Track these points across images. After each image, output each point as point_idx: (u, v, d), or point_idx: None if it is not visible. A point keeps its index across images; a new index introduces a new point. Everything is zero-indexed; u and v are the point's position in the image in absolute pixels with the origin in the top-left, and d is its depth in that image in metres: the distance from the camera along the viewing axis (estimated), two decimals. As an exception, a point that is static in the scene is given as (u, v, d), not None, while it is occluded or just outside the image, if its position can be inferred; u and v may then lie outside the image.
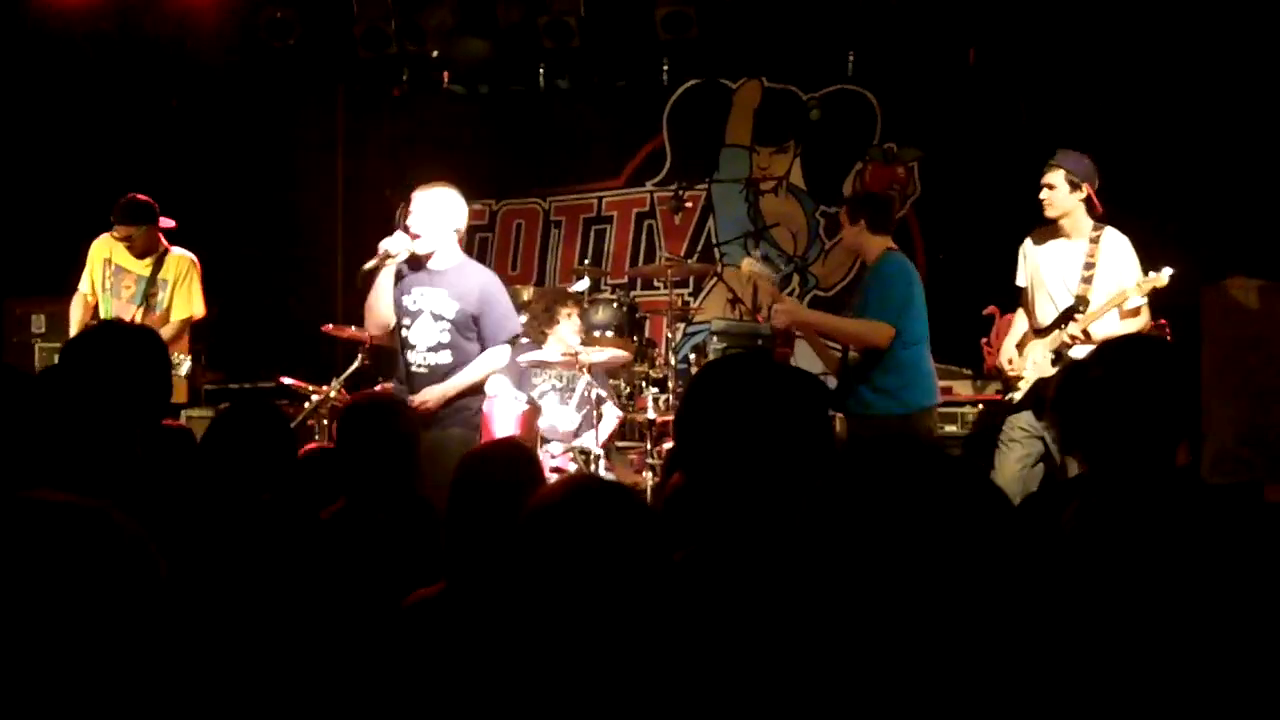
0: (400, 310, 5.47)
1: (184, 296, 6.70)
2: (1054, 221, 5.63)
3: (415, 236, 5.41)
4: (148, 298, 6.61)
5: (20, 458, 2.18)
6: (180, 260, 6.73)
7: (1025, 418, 5.66)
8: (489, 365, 5.50)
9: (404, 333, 5.48)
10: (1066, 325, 5.49)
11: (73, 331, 6.72)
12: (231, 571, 1.80)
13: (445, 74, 9.49)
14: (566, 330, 6.92)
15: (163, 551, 1.33)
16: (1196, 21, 7.45)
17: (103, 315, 6.70)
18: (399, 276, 5.48)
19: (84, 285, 6.77)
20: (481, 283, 5.51)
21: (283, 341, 8.77)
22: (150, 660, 1.27)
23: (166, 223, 6.79)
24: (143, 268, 6.68)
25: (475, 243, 9.81)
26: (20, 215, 8.51)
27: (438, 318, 5.41)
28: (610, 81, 9.48)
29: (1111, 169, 7.65)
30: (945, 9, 8.12)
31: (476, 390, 5.54)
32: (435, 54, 9.04)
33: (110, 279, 6.71)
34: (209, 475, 2.93)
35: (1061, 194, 5.51)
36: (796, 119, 9.19)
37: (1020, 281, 5.85)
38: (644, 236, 9.60)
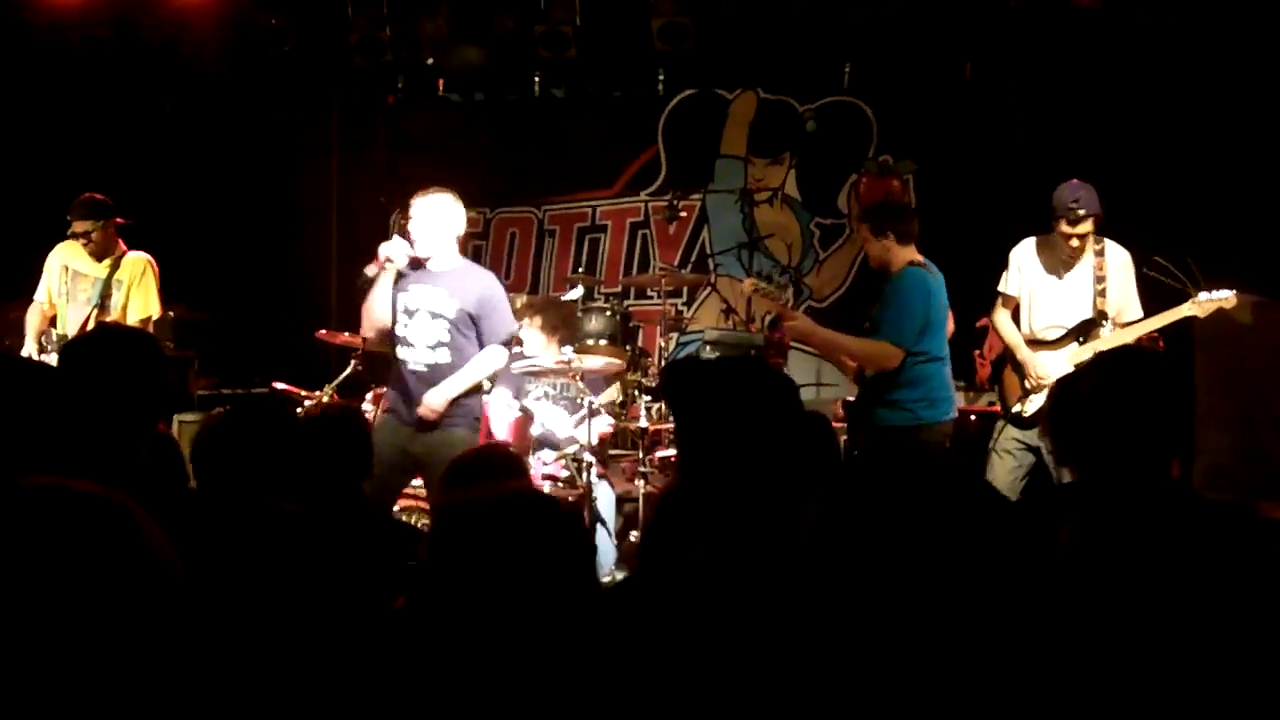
0: (398, 310, 5.49)
1: (140, 297, 6.63)
2: (1052, 233, 5.68)
3: (414, 243, 5.45)
4: (103, 299, 6.56)
5: (26, 455, 2.17)
6: (136, 262, 6.65)
7: (1018, 429, 5.67)
8: (488, 365, 5.51)
9: (401, 331, 5.48)
10: (1087, 339, 5.53)
11: (28, 341, 6.65)
12: (235, 574, 1.80)
13: (440, 82, 9.50)
14: (528, 337, 6.89)
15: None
16: (1193, 33, 7.47)
17: (59, 321, 6.65)
18: (398, 278, 5.51)
19: (40, 294, 6.70)
20: (482, 284, 5.55)
21: (276, 347, 8.76)
22: (159, 657, 1.27)
23: (122, 222, 6.74)
24: (100, 270, 6.61)
25: (470, 250, 9.77)
26: (13, 220, 8.49)
27: (436, 316, 5.43)
28: (606, 91, 9.49)
29: (1107, 183, 7.68)
30: (942, 23, 8.14)
31: (478, 390, 5.59)
32: (430, 62, 9.05)
33: (68, 284, 6.64)
34: (216, 476, 2.91)
35: (1090, 227, 5.54)
36: (792, 130, 9.21)
37: (1011, 290, 5.85)
38: (638, 246, 9.61)
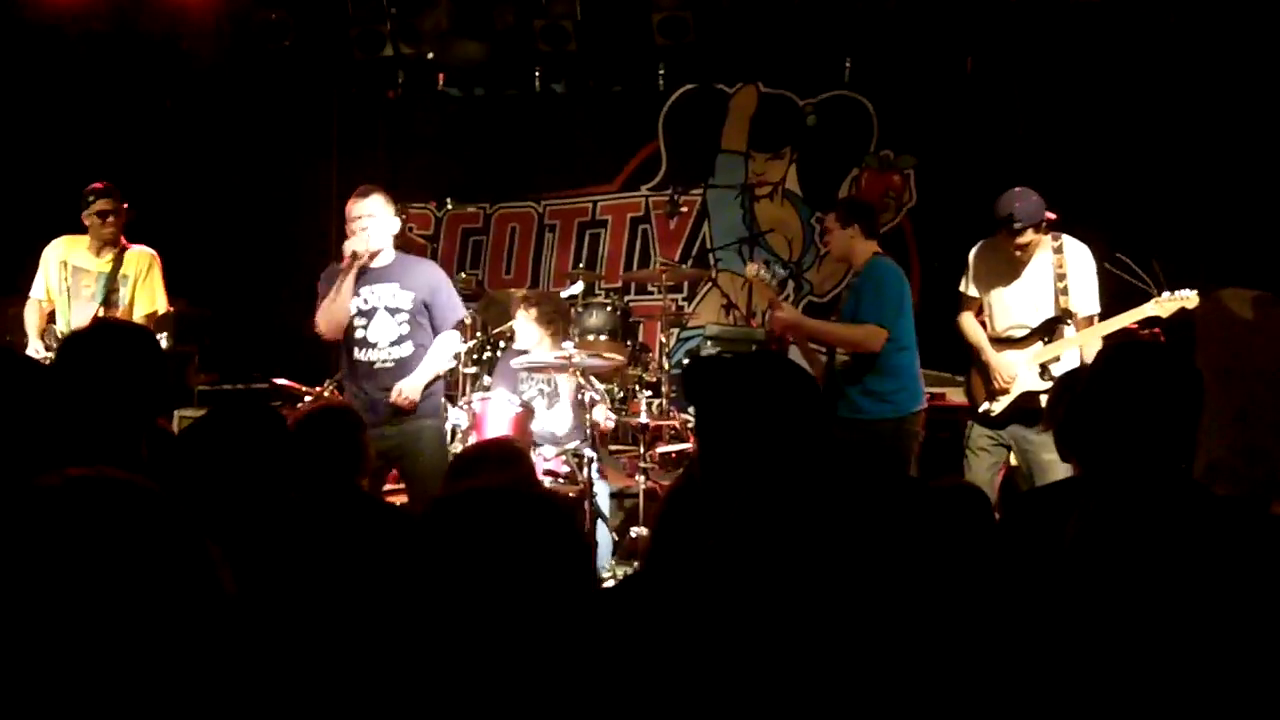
0: (353, 313, 5.55)
1: (146, 292, 6.62)
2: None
3: (367, 241, 5.55)
4: (109, 294, 6.54)
5: (26, 450, 2.17)
6: (140, 256, 6.64)
7: (988, 428, 5.66)
8: (448, 350, 5.72)
9: (360, 333, 5.55)
10: (1052, 338, 5.51)
11: (30, 338, 6.63)
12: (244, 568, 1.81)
13: (440, 77, 9.49)
14: (524, 329, 6.86)
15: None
16: (1194, 28, 7.46)
17: (61, 317, 6.63)
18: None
19: (37, 290, 6.66)
20: (428, 272, 5.74)
21: (276, 342, 8.75)
22: (203, 636, 1.28)
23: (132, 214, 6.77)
24: (102, 265, 6.59)
25: (470, 246, 9.80)
26: (12, 214, 8.48)
27: (394, 311, 5.54)
28: (606, 86, 9.48)
29: (1107, 179, 7.69)
30: (942, 17, 8.13)
31: (439, 380, 5.72)
32: (430, 57, 9.04)
33: (69, 280, 6.62)
34: (206, 475, 2.89)
35: (1031, 236, 5.51)
36: (793, 125, 9.20)
37: (971, 291, 5.81)
38: (638, 241, 9.59)
